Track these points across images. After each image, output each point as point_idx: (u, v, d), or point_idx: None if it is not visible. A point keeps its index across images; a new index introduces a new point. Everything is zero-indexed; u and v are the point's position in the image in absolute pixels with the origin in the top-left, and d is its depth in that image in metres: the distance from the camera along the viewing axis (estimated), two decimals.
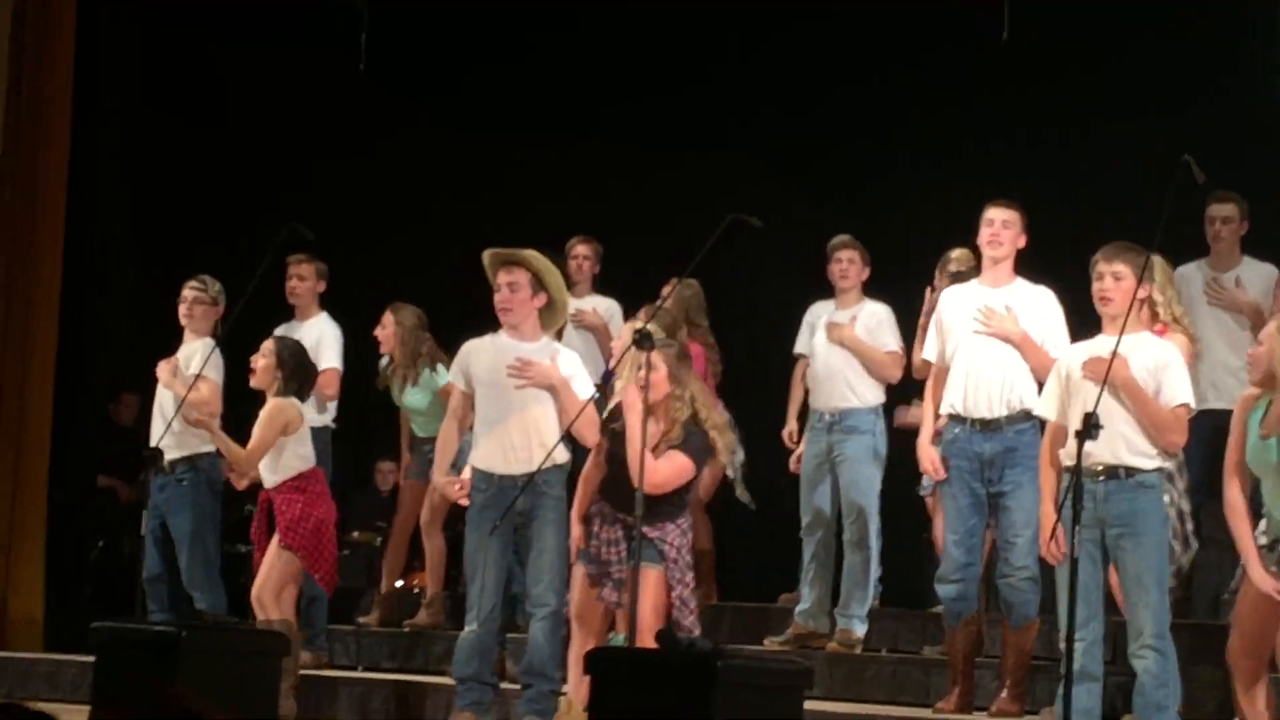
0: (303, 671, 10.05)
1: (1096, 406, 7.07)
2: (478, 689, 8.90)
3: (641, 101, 12.61)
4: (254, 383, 9.94)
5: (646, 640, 7.94)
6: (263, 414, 9.80)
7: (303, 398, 9.90)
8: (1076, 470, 7.03)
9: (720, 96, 12.51)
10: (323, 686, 10.24)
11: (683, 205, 11.56)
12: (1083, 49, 11.38)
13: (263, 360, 9.86)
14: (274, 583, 9.78)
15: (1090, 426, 6.94)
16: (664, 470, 8.28)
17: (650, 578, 8.34)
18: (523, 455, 8.70)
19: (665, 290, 10.16)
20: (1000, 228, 8.82)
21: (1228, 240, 9.80)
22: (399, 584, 11.55)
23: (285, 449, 9.80)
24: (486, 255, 8.90)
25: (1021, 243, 8.86)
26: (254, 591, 9.81)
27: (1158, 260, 8.28)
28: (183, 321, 10.54)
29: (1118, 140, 11.12)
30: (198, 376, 10.05)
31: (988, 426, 8.68)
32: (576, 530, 8.68)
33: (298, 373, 9.88)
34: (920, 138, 11.86)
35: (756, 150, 12.37)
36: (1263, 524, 7.31)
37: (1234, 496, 7.35)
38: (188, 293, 10.54)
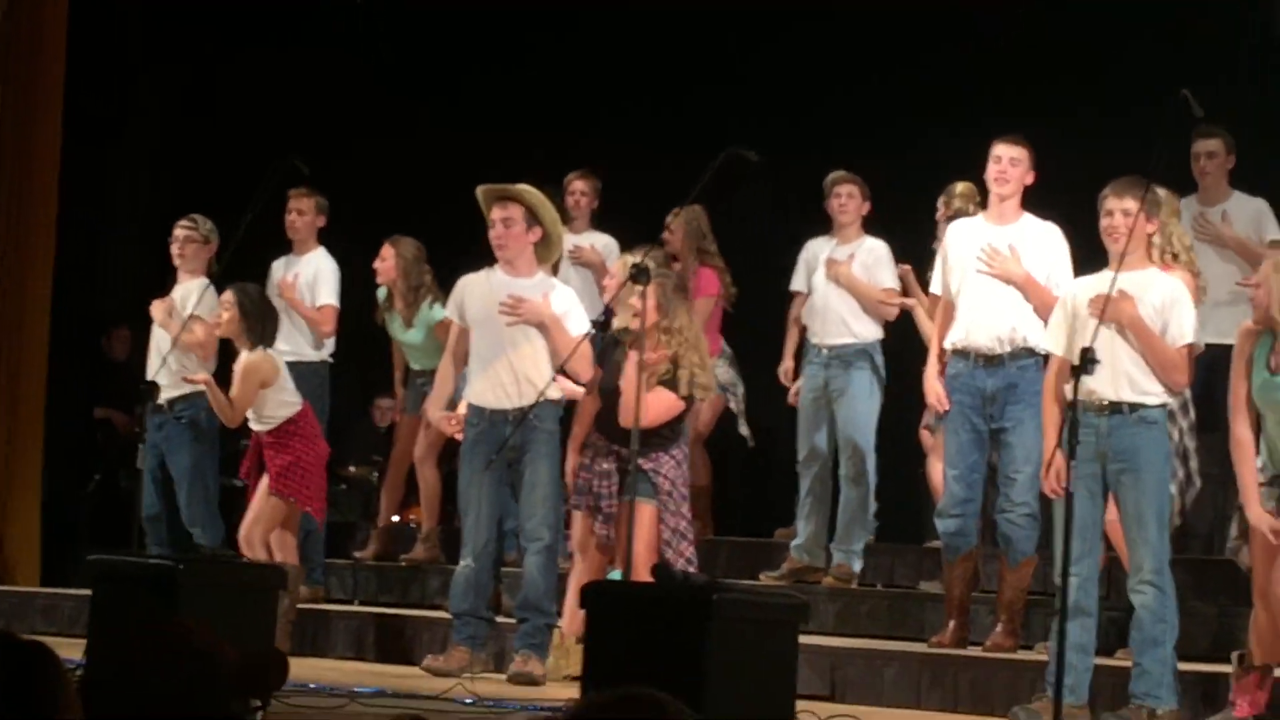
0: (299, 605, 10.07)
1: (1094, 341, 7.05)
2: (473, 623, 8.91)
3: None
4: (220, 333, 9.98)
5: (642, 575, 7.94)
6: (238, 372, 9.83)
7: (269, 340, 9.90)
8: (1073, 405, 7.01)
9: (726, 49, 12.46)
10: (319, 620, 10.27)
11: (682, 140, 11.53)
12: None
13: (226, 314, 9.88)
14: (264, 526, 9.81)
15: (1087, 361, 6.91)
16: (653, 408, 8.28)
17: (644, 513, 8.35)
18: (514, 391, 8.70)
19: (669, 219, 10.15)
20: (1008, 164, 8.76)
21: (1214, 175, 9.75)
22: (395, 519, 11.56)
23: (268, 399, 9.82)
24: (480, 191, 8.88)
25: (1030, 179, 8.80)
26: (242, 531, 9.85)
27: (1162, 194, 8.25)
28: (175, 261, 10.53)
29: (1123, 76, 11.05)
30: (192, 317, 10.05)
31: (991, 362, 8.67)
32: (572, 460, 8.70)
33: (262, 319, 9.90)
34: (924, 75, 11.79)
35: (757, 86, 12.29)
36: (1261, 459, 7.29)
37: (1241, 433, 7.32)
38: (179, 231, 10.52)
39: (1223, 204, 9.75)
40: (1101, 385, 7.36)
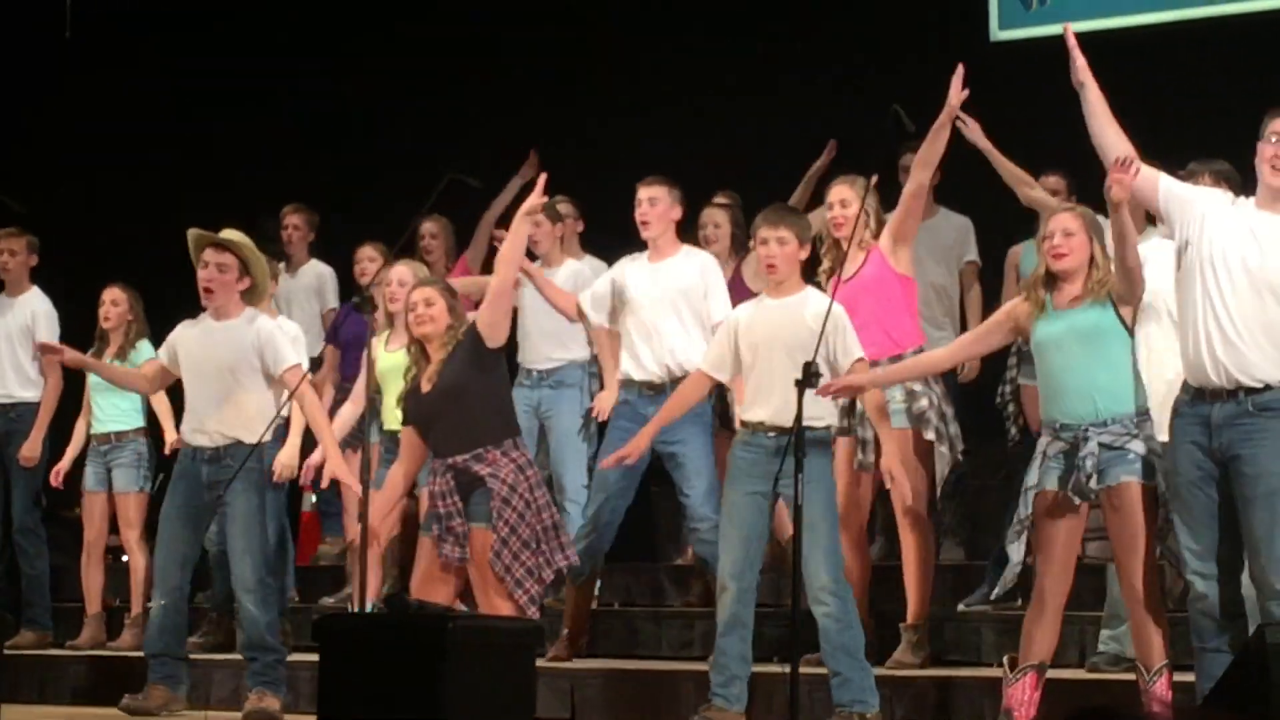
0: (25, 651, 9.88)
1: (816, 355, 7.13)
2: (169, 664, 8.84)
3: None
4: None
5: (497, 607, 7.68)
6: None
7: None
8: (797, 427, 7.03)
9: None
10: (46, 666, 10.07)
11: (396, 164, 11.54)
12: None
13: None
14: None
15: (810, 375, 6.99)
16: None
17: (484, 539, 7.87)
18: (217, 431, 8.64)
19: (428, 229, 10.13)
20: (646, 205, 8.89)
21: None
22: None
23: None
24: (193, 235, 8.75)
25: (675, 214, 8.93)
26: None
27: (861, 181, 8.34)
28: None
29: (827, 89, 11.18)
30: None
31: (654, 389, 8.80)
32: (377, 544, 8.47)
33: None
34: (604, 96, 11.83)
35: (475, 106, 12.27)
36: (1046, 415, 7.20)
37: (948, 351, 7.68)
38: None
39: (929, 219, 9.90)
40: (772, 412, 7.60)
